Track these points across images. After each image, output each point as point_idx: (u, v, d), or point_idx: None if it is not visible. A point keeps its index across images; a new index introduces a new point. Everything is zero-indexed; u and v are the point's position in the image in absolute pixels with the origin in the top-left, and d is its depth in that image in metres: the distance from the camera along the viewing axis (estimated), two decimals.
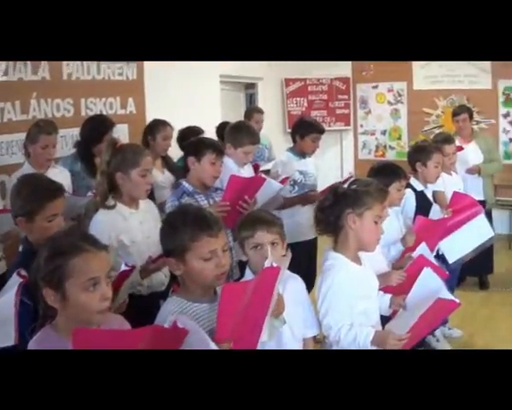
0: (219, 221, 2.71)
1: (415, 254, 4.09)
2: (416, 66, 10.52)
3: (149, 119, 6.63)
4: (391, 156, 10.72)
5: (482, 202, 6.80)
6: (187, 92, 7.87)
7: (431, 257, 4.13)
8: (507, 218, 9.78)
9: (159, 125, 6.08)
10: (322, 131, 6.00)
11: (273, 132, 8.99)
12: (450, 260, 4.78)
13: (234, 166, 5.05)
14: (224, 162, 4.67)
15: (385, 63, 10.28)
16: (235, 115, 8.48)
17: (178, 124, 6.44)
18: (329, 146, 10.91)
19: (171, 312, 2.56)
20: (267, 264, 2.52)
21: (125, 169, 3.82)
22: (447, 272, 4.15)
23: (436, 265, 4.00)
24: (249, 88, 10.51)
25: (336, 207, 3.31)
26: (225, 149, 4.94)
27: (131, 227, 3.87)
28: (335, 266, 3.28)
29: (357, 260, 3.40)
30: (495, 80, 10.01)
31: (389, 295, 3.64)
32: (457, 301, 3.29)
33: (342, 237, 3.34)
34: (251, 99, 10.56)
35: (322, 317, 3.27)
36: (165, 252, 2.81)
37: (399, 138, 10.90)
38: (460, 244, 4.74)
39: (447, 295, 3.34)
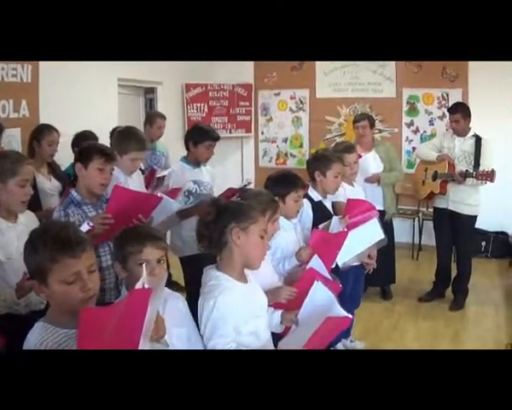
0: (84, 241, 2.40)
1: (307, 267, 3.90)
2: (320, 73, 10.48)
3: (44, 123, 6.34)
4: (292, 164, 10.70)
5: (381, 212, 6.79)
6: (84, 96, 7.59)
7: (323, 270, 3.93)
8: (409, 227, 9.81)
9: (44, 130, 5.91)
10: (216, 139, 5.74)
11: (173, 139, 8.73)
12: (339, 261, 4.58)
13: (120, 175, 4.76)
14: None
15: (288, 70, 10.29)
16: (134, 120, 8.21)
17: (74, 129, 6.31)
18: (230, 153, 10.94)
19: (36, 339, 2.32)
20: (139, 285, 2.23)
21: (2, 178, 3.62)
22: (340, 285, 4.01)
23: (328, 278, 3.88)
24: (149, 92, 10.21)
25: (219, 222, 3.08)
26: None
27: (7, 242, 3.63)
28: (218, 286, 3.04)
29: (243, 278, 3.18)
30: (399, 89, 10.05)
31: (280, 312, 3.43)
32: (350, 316, 3.20)
33: (226, 254, 3.12)
34: (150, 104, 10.28)
35: (206, 341, 3.04)
36: (29, 273, 2.53)
37: (301, 146, 10.79)
38: (349, 246, 4.53)
39: (338, 310, 3.24)
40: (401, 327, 6.66)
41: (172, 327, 2.87)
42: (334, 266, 4.59)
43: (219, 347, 2.95)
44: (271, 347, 3.25)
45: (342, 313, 3.22)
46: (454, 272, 7.41)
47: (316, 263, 3.92)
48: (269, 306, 3.41)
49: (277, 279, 3.86)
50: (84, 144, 4.58)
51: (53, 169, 5.98)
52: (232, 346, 2.96)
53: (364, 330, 6.40)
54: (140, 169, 6.40)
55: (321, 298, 3.36)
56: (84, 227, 3.58)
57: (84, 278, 2.34)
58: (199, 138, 5.61)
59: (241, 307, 3.03)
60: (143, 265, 2.59)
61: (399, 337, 6.37)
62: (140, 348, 2.15)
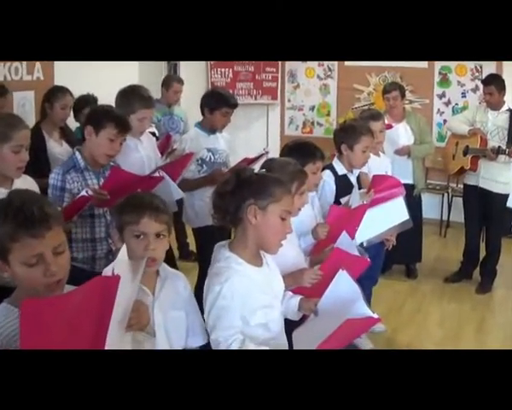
0: (50, 217, 2.06)
1: (336, 245, 3.58)
2: None
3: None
4: (319, 133, 10.32)
5: (411, 186, 6.57)
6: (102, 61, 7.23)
7: (352, 248, 3.61)
8: (438, 203, 9.46)
9: (57, 93, 5.69)
10: (234, 105, 5.39)
11: (195, 104, 8.40)
12: (359, 239, 4.27)
13: (130, 141, 4.48)
14: None
15: None
16: (156, 86, 7.84)
17: (90, 92, 6.16)
18: (255, 120, 10.66)
19: None
20: (107, 271, 1.97)
21: None
22: (368, 260, 3.63)
23: (356, 256, 3.52)
24: None
25: (237, 195, 2.74)
26: None
27: None
28: (227, 269, 2.72)
29: (258, 261, 2.86)
30: None
31: (298, 298, 3.09)
32: (375, 316, 2.78)
33: (240, 232, 2.80)
34: (175, 68, 10.02)
35: (209, 330, 2.75)
36: None
37: (328, 115, 10.42)
38: (371, 225, 4.26)
39: (362, 307, 2.85)
40: (425, 309, 6.41)
41: (170, 309, 2.72)
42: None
43: (221, 340, 2.66)
44: (283, 340, 2.95)
45: (367, 311, 2.81)
46: (482, 253, 7.11)
47: (344, 240, 3.63)
48: (290, 290, 3.13)
49: (303, 261, 3.57)
50: (99, 107, 4.38)
51: (65, 134, 5.78)
52: (236, 340, 2.65)
53: (387, 310, 6.14)
54: (155, 135, 6.21)
55: (344, 289, 2.98)
56: (82, 193, 3.51)
57: (48, 261, 2.03)
58: (215, 104, 5.29)
59: (251, 296, 2.73)
60: (123, 247, 2.30)
61: (422, 321, 6.13)
62: (109, 344, 1.90)
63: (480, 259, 7.12)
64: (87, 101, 5.84)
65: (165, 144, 5.66)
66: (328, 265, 3.27)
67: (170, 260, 4.74)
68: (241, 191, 2.74)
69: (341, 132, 4.81)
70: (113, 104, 4.59)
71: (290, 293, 3.13)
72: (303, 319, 3.15)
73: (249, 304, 2.71)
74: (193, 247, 6.55)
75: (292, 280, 3.18)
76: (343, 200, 4.40)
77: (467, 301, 6.61)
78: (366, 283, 5.17)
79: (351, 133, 4.69)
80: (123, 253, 2.23)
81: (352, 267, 3.14)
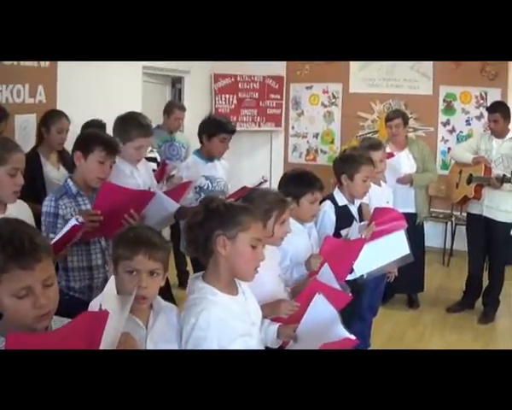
0: (40, 249, 2.01)
1: (318, 277, 3.53)
2: (354, 67, 10.14)
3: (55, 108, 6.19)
4: (323, 161, 10.38)
5: (413, 215, 6.49)
6: (105, 84, 7.38)
7: (332, 280, 3.56)
8: (441, 231, 9.45)
9: (54, 117, 5.69)
10: (231, 132, 5.35)
11: None
12: (358, 272, 4.26)
13: (125, 167, 4.46)
14: (116, 162, 4.11)
15: (321, 64, 9.98)
16: (159, 111, 7.87)
17: (92, 117, 6.08)
18: (258, 147, 10.72)
19: None
20: (94, 306, 1.93)
21: None
22: (350, 295, 3.62)
23: (336, 289, 3.49)
24: (178, 82, 10.00)
25: (206, 226, 2.72)
26: None
27: None
28: (201, 301, 2.69)
29: (233, 289, 2.83)
30: (436, 86, 9.71)
31: (277, 325, 3.07)
32: (352, 338, 2.82)
33: (212, 263, 2.77)
34: (179, 94, 10.02)
35: None
36: None
37: (332, 142, 10.45)
38: (370, 257, 4.21)
39: (339, 329, 2.88)
40: (426, 340, 6.31)
41: (163, 343, 2.63)
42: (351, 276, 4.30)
43: None
44: None
45: (344, 333, 2.85)
46: (485, 282, 7.03)
47: (325, 273, 3.58)
48: (269, 318, 3.10)
49: (283, 289, 3.51)
50: (87, 132, 4.39)
51: (63, 158, 5.74)
52: None
53: (387, 340, 6.08)
54: (156, 161, 6.19)
55: (322, 313, 3.00)
56: (72, 222, 3.38)
57: (37, 294, 1.97)
58: (213, 131, 5.25)
59: (228, 325, 2.68)
60: (111, 279, 2.27)
61: None
62: None
63: (483, 288, 7.04)
64: (95, 126, 5.74)
65: (161, 172, 5.63)
66: (306, 296, 3.23)
67: (166, 290, 4.72)
68: (210, 222, 2.72)
69: (341, 162, 4.74)
70: None
71: (268, 320, 3.10)
72: (282, 346, 3.13)
73: (227, 333, 2.66)
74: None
75: (269, 310, 3.14)
76: (343, 232, 4.34)
77: (469, 331, 6.52)
78: (366, 313, 5.13)
79: (351, 163, 4.63)
80: (110, 286, 2.19)
81: (332, 301, 3.11)
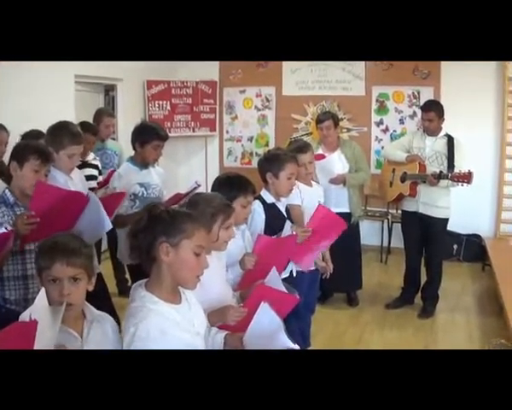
0: None
1: (265, 281, 3.51)
2: (287, 70, 10.20)
3: None
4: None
5: (347, 215, 6.54)
6: (38, 93, 7.25)
7: (279, 284, 3.53)
8: (378, 229, 9.55)
9: None
10: (164, 138, 5.29)
11: None
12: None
13: (59, 176, 4.43)
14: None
15: (254, 67, 10.01)
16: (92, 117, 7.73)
17: (27, 128, 5.85)
18: (194, 153, 10.72)
19: None
20: (24, 316, 1.89)
21: None
22: (297, 297, 3.61)
23: (282, 292, 3.47)
24: (111, 90, 9.86)
25: (149, 233, 2.67)
26: None
27: None
28: (141, 309, 2.62)
29: (175, 298, 2.77)
30: (369, 87, 9.81)
31: (223, 334, 3.02)
32: (297, 347, 2.78)
33: (155, 271, 2.71)
34: (113, 102, 9.88)
35: None
36: None
37: (267, 145, 10.44)
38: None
39: (283, 339, 2.81)
40: (367, 337, 6.33)
41: None
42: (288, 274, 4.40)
43: None
44: None
45: (287, 342, 2.80)
46: (424, 277, 7.12)
47: (273, 277, 3.55)
48: (216, 327, 3.06)
49: (231, 295, 3.49)
50: (21, 143, 4.42)
51: (1, 170, 5.53)
52: None
53: (327, 339, 6.09)
54: (98, 168, 6.17)
55: (267, 322, 2.93)
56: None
57: None
58: (145, 138, 5.20)
59: (170, 335, 2.62)
60: (41, 290, 2.22)
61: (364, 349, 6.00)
62: None
63: (422, 283, 7.12)
64: (34, 136, 5.54)
65: (106, 180, 5.59)
66: (253, 301, 3.19)
67: (105, 299, 4.65)
68: (153, 229, 2.67)
69: (266, 162, 4.79)
70: None
71: (215, 329, 3.07)
72: None
73: (168, 343, 2.59)
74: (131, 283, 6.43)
75: (216, 317, 3.11)
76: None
77: (409, 326, 6.58)
78: (303, 312, 5.12)
79: (275, 162, 4.68)
80: (41, 297, 2.15)
81: (279, 304, 3.10)
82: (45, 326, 2.05)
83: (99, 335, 2.70)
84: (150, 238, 2.66)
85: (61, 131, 4.50)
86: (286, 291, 3.53)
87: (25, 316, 2.25)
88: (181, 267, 2.68)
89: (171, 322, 2.66)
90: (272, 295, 3.19)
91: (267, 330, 2.87)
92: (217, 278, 3.29)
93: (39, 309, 2.12)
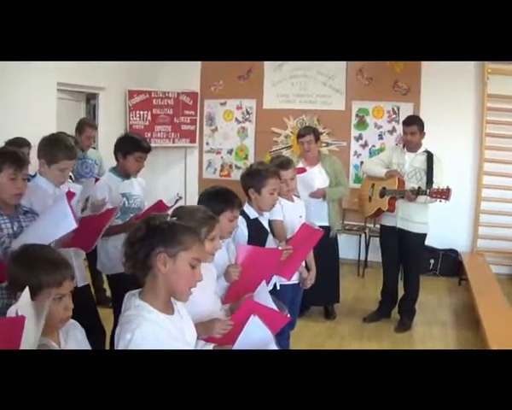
0: None
1: (254, 297, 3.52)
2: (268, 83, 10.27)
3: None
4: (237, 176, 10.18)
5: (327, 228, 6.58)
6: (19, 100, 7.24)
7: (269, 301, 3.53)
8: (355, 243, 9.61)
9: None
10: (147, 150, 5.29)
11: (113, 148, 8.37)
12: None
13: (49, 187, 4.43)
14: (37, 183, 4.21)
15: (235, 79, 10.08)
16: (73, 128, 7.72)
17: (8, 136, 5.99)
18: (173, 164, 10.73)
19: None
20: (11, 311, 1.95)
21: None
22: (288, 316, 3.67)
23: (273, 310, 3.45)
24: (93, 98, 9.84)
25: (147, 243, 2.70)
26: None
27: None
28: (137, 317, 2.64)
29: (169, 309, 2.81)
30: (349, 101, 9.89)
31: (211, 346, 3.04)
32: None
33: (150, 280, 2.74)
34: (94, 111, 9.88)
35: None
36: None
37: (246, 158, 10.51)
38: None
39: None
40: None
41: None
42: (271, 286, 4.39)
43: None
44: None
45: None
46: (401, 291, 7.18)
47: (262, 292, 3.56)
48: (203, 339, 3.07)
49: (219, 307, 3.51)
50: None
51: None
52: None
53: None
54: (70, 178, 6.10)
55: (257, 335, 2.97)
56: None
57: None
58: (128, 149, 5.19)
59: (163, 343, 2.64)
60: (26, 289, 2.26)
61: None
62: None
63: (399, 297, 7.18)
64: (18, 144, 5.62)
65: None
66: (241, 315, 3.21)
67: (95, 312, 4.66)
68: (151, 239, 2.70)
69: (248, 177, 4.77)
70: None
71: (203, 341, 3.08)
72: None
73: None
74: (109, 292, 6.42)
75: (203, 330, 3.12)
76: None
77: (386, 340, 6.63)
78: (285, 328, 5.15)
79: (257, 177, 4.67)
80: (25, 295, 2.18)
81: (269, 320, 3.10)
82: (30, 321, 2.08)
83: (74, 343, 2.75)
84: (148, 248, 2.68)
85: (57, 144, 4.48)
86: (275, 307, 3.53)
87: (11, 311, 2.28)
88: (177, 278, 2.71)
89: (166, 331, 2.69)
90: (261, 311, 3.18)
91: (257, 343, 2.90)
92: (205, 291, 3.28)
93: (24, 306, 2.15)
